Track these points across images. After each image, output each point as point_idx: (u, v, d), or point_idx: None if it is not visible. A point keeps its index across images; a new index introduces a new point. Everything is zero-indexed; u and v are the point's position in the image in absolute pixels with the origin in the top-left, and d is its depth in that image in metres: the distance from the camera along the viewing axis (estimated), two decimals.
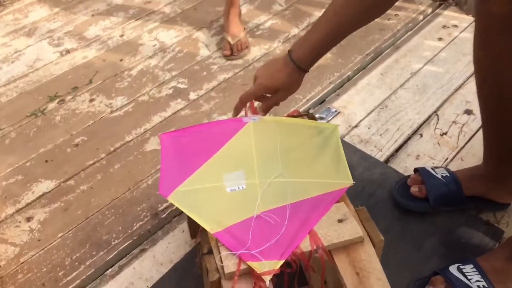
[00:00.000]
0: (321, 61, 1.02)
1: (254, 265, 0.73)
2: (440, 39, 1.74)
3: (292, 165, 0.89)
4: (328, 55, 1.47)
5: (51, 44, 1.79)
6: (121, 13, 1.94)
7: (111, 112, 1.49)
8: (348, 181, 0.87)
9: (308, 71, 0.99)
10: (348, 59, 1.66)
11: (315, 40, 0.94)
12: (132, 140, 1.38)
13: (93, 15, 1.93)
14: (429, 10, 1.88)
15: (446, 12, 1.87)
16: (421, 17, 1.85)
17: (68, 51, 1.74)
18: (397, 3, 2.05)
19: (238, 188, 0.85)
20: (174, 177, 0.86)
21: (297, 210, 0.82)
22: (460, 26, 1.79)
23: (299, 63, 0.96)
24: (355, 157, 1.27)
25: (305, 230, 0.79)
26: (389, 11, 1.99)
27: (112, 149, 1.35)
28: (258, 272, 0.72)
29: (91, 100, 1.54)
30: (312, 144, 0.95)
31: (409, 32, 1.78)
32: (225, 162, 0.89)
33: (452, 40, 1.73)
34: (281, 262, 0.74)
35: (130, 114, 1.48)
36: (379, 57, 1.68)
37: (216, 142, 0.92)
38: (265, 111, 1.04)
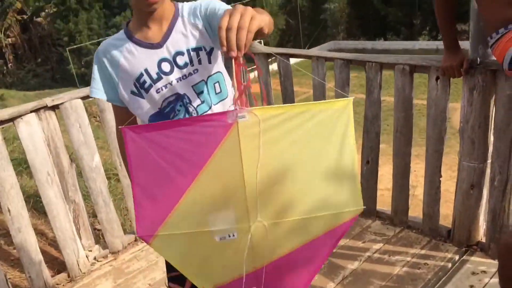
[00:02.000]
0: None
1: None
2: (471, 287, 1.81)
3: (291, 191, 0.73)
4: None
5: None
6: None
7: None
8: (359, 207, 0.76)
9: None
10: None
11: None
12: None
13: (150, 284, 2.17)
14: (456, 257, 2.00)
15: (473, 258, 1.99)
16: (449, 264, 1.97)
17: None
18: (424, 251, 2.12)
19: (229, 236, 0.72)
20: (151, 209, 0.75)
21: (296, 259, 0.73)
22: (489, 272, 1.88)
23: None
24: None
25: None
26: (418, 260, 2.08)
27: None
28: None
29: None
30: (318, 148, 0.77)
31: (440, 281, 1.88)
32: (210, 192, 0.74)
33: (484, 287, 1.80)
34: None
35: None
36: None
37: (197, 155, 0.76)
38: None
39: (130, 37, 1.23)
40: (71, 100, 2.16)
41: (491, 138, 1.84)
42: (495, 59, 1.64)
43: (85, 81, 18.23)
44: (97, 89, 1.25)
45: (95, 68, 1.25)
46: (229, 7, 1.07)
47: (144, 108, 1.24)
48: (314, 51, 2.26)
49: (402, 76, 1.99)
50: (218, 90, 1.26)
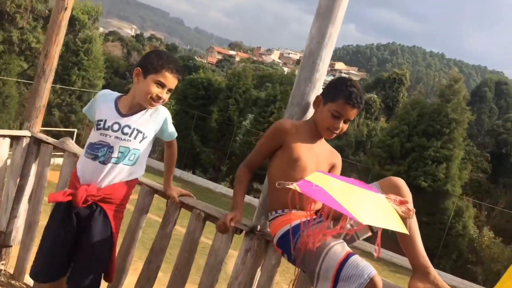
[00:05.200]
0: None
1: None
2: None
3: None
4: None
5: None
6: None
7: None
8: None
9: None
10: None
11: None
12: None
13: None
14: None
15: None
16: None
17: None
18: None
19: None
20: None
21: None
22: None
23: None
24: None
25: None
26: None
27: None
28: None
29: None
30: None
31: None
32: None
33: None
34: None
35: None
36: None
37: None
38: None
39: (117, 101, 2.06)
40: None
41: None
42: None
43: None
44: (86, 109, 2.16)
45: (92, 101, 2.12)
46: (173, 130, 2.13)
47: (91, 133, 2.03)
48: None
49: (196, 220, 2.18)
50: (131, 158, 2.00)
